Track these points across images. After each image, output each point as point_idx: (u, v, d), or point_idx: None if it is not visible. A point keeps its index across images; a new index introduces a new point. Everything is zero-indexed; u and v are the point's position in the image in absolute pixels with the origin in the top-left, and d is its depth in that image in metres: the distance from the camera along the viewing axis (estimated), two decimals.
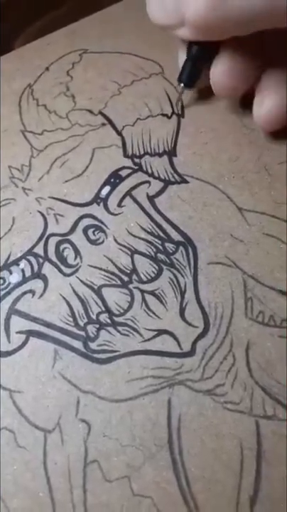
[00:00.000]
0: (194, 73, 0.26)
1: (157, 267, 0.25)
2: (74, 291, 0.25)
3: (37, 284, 0.25)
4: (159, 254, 0.25)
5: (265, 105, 0.24)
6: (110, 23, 0.32)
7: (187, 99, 0.29)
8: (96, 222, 0.26)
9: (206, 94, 0.28)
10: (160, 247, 0.26)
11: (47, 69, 0.31)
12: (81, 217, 0.27)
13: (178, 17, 0.22)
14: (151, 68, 0.30)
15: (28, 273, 0.26)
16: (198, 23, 0.21)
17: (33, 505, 0.22)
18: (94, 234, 0.26)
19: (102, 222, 0.26)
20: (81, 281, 0.25)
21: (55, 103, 0.30)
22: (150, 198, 0.27)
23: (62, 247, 0.26)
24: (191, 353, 0.23)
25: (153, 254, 0.25)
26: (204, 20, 0.20)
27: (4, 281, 0.26)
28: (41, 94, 0.30)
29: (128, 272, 0.25)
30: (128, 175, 0.27)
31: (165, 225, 0.26)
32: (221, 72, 0.24)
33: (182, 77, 0.27)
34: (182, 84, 0.27)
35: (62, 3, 0.32)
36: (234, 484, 0.21)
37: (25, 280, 0.26)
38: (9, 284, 0.26)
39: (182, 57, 0.26)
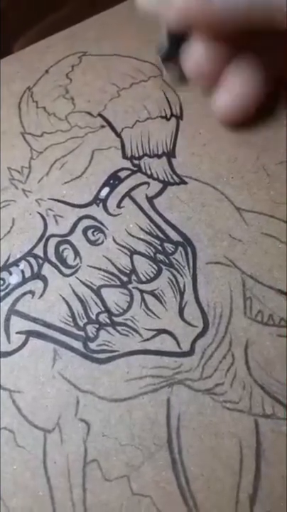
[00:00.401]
0: (173, 48, 0.26)
1: (156, 267, 0.25)
2: (73, 291, 0.25)
3: (37, 285, 0.26)
4: (158, 255, 0.26)
5: (222, 98, 0.25)
6: (109, 26, 0.32)
7: (186, 101, 0.29)
8: (95, 223, 0.27)
9: (204, 96, 0.28)
10: (159, 248, 0.26)
11: (46, 72, 0.31)
12: (80, 218, 0.27)
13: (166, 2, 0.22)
14: (150, 71, 0.30)
15: (27, 274, 0.26)
16: (182, 13, 0.21)
17: (33, 505, 0.22)
18: (93, 235, 0.26)
19: (101, 223, 0.27)
20: (80, 281, 0.25)
21: (55, 105, 0.30)
22: (149, 199, 0.27)
23: (61, 247, 0.26)
24: (190, 352, 0.24)
25: (152, 254, 0.26)
26: (188, 13, 0.21)
27: (4, 282, 0.26)
28: (41, 97, 0.31)
29: (128, 272, 0.25)
30: (128, 176, 0.28)
31: (164, 225, 0.26)
32: (194, 53, 0.25)
33: (161, 50, 0.27)
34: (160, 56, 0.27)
35: (61, 6, 0.33)
36: (234, 483, 0.21)
37: (24, 281, 0.26)
38: (9, 284, 0.26)
39: (163, 35, 0.27)
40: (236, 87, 0.25)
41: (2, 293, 0.26)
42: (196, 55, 0.25)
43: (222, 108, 0.26)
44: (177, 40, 0.26)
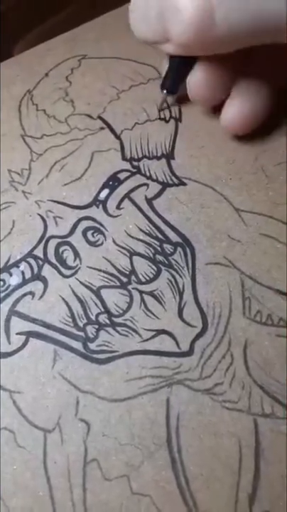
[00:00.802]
0: (175, 81, 0.27)
1: (155, 268, 0.26)
2: (73, 292, 0.26)
3: (37, 286, 0.26)
4: (157, 256, 0.26)
5: (229, 113, 0.26)
6: (108, 29, 0.32)
7: (185, 104, 0.29)
8: (95, 225, 0.27)
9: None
10: (159, 249, 0.26)
11: (46, 75, 0.32)
12: (80, 220, 0.27)
13: (162, 33, 0.22)
14: (149, 73, 0.31)
15: (27, 275, 0.26)
16: (184, 42, 0.22)
17: (33, 504, 0.22)
18: (93, 236, 0.27)
19: (101, 225, 0.27)
20: (80, 282, 0.26)
21: (55, 108, 0.31)
22: (149, 200, 0.27)
23: (61, 249, 0.27)
24: (189, 352, 0.24)
25: (151, 255, 0.26)
26: (190, 41, 0.21)
27: (4, 283, 0.26)
28: (41, 100, 0.31)
29: (127, 273, 0.26)
30: (127, 178, 0.28)
31: (163, 226, 0.27)
32: (196, 82, 0.26)
33: (164, 84, 0.28)
34: (165, 91, 0.28)
35: (60, 9, 0.33)
36: (233, 482, 0.22)
37: (25, 282, 0.26)
38: (9, 286, 0.26)
39: (165, 65, 0.27)
40: (242, 102, 0.26)
41: (2, 294, 0.26)
42: (199, 81, 0.26)
43: (230, 122, 0.26)
44: (179, 70, 0.27)
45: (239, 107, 0.26)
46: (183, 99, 0.29)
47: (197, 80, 0.25)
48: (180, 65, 0.26)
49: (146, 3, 0.22)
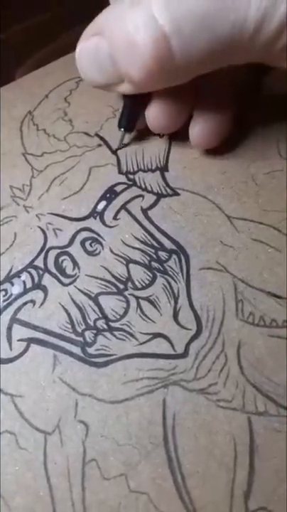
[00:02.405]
0: (131, 118, 0.29)
1: (151, 275, 0.27)
2: (72, 299, 0.27)
3: (37, 295, 0.27)
4: (153, 262, 0.27)
5: (195, 129, 0.28)
6: None
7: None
8: (93, 235, 0.28)
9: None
10: (154, 256, 0.27)
11: (46, 96, 0.34)
12: (78, 231, 0.29)
13: (116, 75, 0.23)
14: None
15: (28, 284, 0.28)
16: (143, 78, 0.22)
17: (34, 504, 0.23)
18: (91, 245, 0.28)
19: (99, 235, 0.28)
20: (79, 290, 0.27)
21: (54, 127, 0.33)
22: (144, 211, 0.29)
23: (61, 259, 0.28)
24: (184, 354, 0.25)
25: (147, 262, 0.27)
26: (150, 75, 0.21)
27: (6, 292, 0.28)
28: (41, 120, 0.33)
29: (124, 279, 0.27)
30: (123, 190, 0.30)
31: (158, 234, 0.28)
32: (154, 114, 0.27)
33: (121, 123, 0.29)
34: (122, 129, 0.30)
35: (58, 36, 0.36)
36: (228, 479, 0.22)
37: (26, 291, 0.27)
38: (11, 295, 0.27)
39: (120, 104, 0.29)
40: (204, 121, 0.28)
41: (4, 303, 0.27)
42: (157, 114, 0.27)
43: (197, 141, 0.28)
44: (134, 108, 0.28)
45: (202, 126, 0.27)
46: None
47: (154, 113, 0.27)
48: (135, 103, 0.28)
49: (95, 49, 0.23)
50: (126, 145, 0.31)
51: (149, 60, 0.21)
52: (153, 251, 0.27)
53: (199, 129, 0.28)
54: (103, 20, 0.23)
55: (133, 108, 0.29)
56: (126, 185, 0.30)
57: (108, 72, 0.23)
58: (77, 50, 0.24)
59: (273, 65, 0.22)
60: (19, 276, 0.28)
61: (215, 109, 0.27)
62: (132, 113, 0.29)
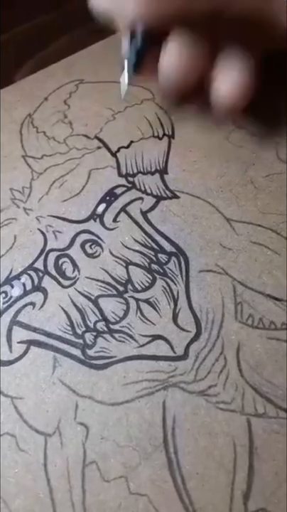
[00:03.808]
0: (139, 57, 0.26)
1: (151, 277, 0.27)
2: (72, 301, 0.27)
3: (37, 297, 0.28)
4: (153, 265, 0.27)
5: (228, 83, 0.25)
6: (103, 55, 0.35)
7: (177, 121, 0.31)
8: (92, 237, 0.29)
9: (194, 116, 0.31)
10: (154, 258, 0.28)
11: (46, 99, 0.34)
12: (78, 233, 0.29)
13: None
14: (143, 94, 0.33)
15: (28, 286, 0.28)
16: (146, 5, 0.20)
17: (34, 506, 0.23)
18: (91, 248, 0.28)
19: (98, 237, 0.29)
20: (79, 292, 0.27)
21: (54, 130, 0.33)
22: (144, 213, 0.29)
23: (61, 261, 0.28)
24: (184, 356, 0.25)
25: (146, 264, 0.27)
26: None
27: (6, 295, 0.28)
28: (41, 123, 0.33)
29: (124, 282, 0.27)
30: (123, 192, 0.30)
31: (157, 237, 0.28)
32: (170, 60, 0.24)
33: (129, 56, 0.26)
34: (126, 60, 0.26)
35: (58, 38, 0.36)
36: (228, 480, 0.22)
37: (26, 293, 0.28)
38: (11, 297, 0.28)
39: (125, 46, 0.26)
40: (232, 76, 0.25)
41: (4, 305, 0.27)
42: (173, 54, 0.24)
43: (228, 95, 0.26)
44: (143, 44, 0.25)
45: (232, 76, 0.25)
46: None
47: (171, 56, 0.25)
48: (143, 40, 0.25)
49: None
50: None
51: None
52: (152, 253, 0.28)
53: (229, 81, 0.25)
54: None
55: (142, 45, 0.25)
56: (125, 188, 0.30)
57: None
58: None
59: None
60: (19, 279, 0.28)
61: (242, 60, 0.25)
62: (139, 52, 0.25)
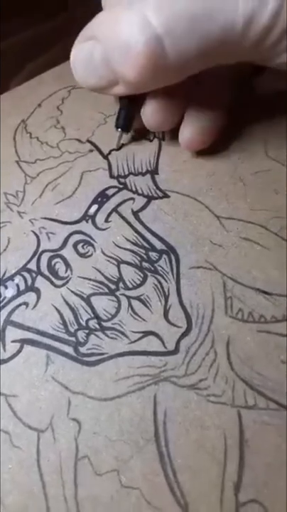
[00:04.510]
0: (128, 119, 0.30)
1: (142, 275, 0.28)
2: (65, 300, 0.28)
3: (30, 297, 0.28)
4: (144, 263, 0.28)
5: (184, 134, 0.29)
6: None
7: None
8: (85, 237, 0.29)
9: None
10: (145, 256, 0.28)
11: (39, 105, 0.35)
12: (71, 234, 0.30)
13: (110, 78, 0.24)
14: None
15: (22, 287, 0.29)
16: (137, 79, 0.22)
17: (28, 501, 0.23)
18: (83, 248, 0.29)
19: (91, 237, 0.29)
20: (71, 291, 0.28)
21: (47, 135, 0.34)
22: (135, 213, 0.30)
23: (53, 261, 0.29)
24: (175, 351, 0.26)
25: (138, 262, 0.28)
26: (143, 76, 0.22)
27: (0, 295, 0.28)
28: (34, 128, 0.34)
29: (115, 280, 0.28)
30: (114, 193, 0.31)
31: (148, 236, 0.29)
32: (150, 113, 0.28)
33: (118, 123, 0.30)
34: (119, 129, 0.31)
35: (51, 47, 0.37)
36: (219, 472, 0.23)
37: (19, 294, 0.28)
38: (5, 298, 0.28)
39: (116, 104, 0.30)
40: (193, 124, 0.29)
41: None
42: (153, 112, 0.28)
43: (187, 144, 0.30)
44: (130, 109, 0.30)
45: (192, 128, 0.29)
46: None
47: (150, 111, 0.28)
48: (131, 103, 0.29)
49: (90, 52, 0.24)
50: (123, 145, 0.32)
51: (143, 60, 0.22)
52: (143, 252, 0.28)
53: (188, 132, 0.29)
54: (96, 24, 0.24)
55: (130, 108, 0.30)
56: (117, 189, 0.31)
57: (102, 75, 0.25)
58: (72, 54, 0.26)
59: (263, 64, 0.23)
60: (13, 280, 0.29)
61: (205, 112, 0.29)
62: (129, 113, 0.30)
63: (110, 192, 0.31)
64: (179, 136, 0.29)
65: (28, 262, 0.29)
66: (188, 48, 0.21)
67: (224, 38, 0.21)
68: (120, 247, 0.29)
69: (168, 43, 0.21)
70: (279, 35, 0.21)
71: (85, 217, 0.30)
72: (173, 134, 0.32)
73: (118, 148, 0.32)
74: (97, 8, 0.25)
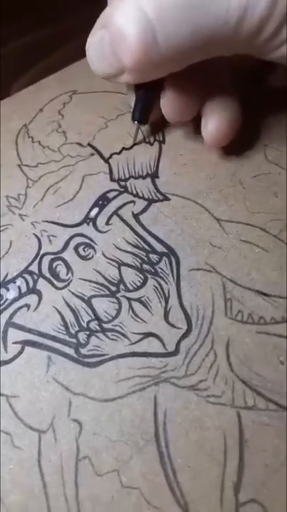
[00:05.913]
0: (145, 111, 0.30)
1: (142, 277, 0.28)
2: (66, 302, 0.28)
3: (32, 299, 0.29)
4: (144, 265, 0.28)
5: (209, 127, 0.28)
6: None
7: (168, 126, 0.33)
8: (86, 240, 0.30)
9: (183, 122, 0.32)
10: (145, 259, 0.29)
11: (41, 110, 0.36)
12: (72, 237, 0.30)
13: (117, 64, 0.24)
14: None
15: (23, 289, 0.29)
16: (134, 67, 0.23)
17: (29, 501, 0.24)
18: (84, 250, 0.30)
19: (91, 240, 0.30)
20: (72, 293, 0.28)
21: (48, 139, 0.34)
22: (135, 216, 0.30)
23: (55, 264, 0.29)
24: (175, 352, 0.26)
25: (138, 265, 0.28)
26: (139, 64, 0.23)
27: (2, 297, 0.29)
28: (36, 133, 0.35)
29: (116, 282, 0.28)
30: (115, 196, 0.31)
31: (149, 238, 0.29)
32: (168, 104, 0.28)
33: (135, 116, 0.30)
34: (136, 122, 0.30)
35: (52, 52, 0.38)
36: (219, 472, 0.23)
37: (21, 296, 0.29)
38: (6, 300, 0.29)
39: (132, 97, 0.30)
40: (216, 117, 0.28)
41: (0, 308, 0.28)
42: (171, 102, 0.28)
43: (212, 138, 0.29)
44: (146, 99, 0.29)
45: (217, 120, 0.28)
46: (159, 125, 0.32)
47: (169, 102, 0.28)
48: (146, 94, 0.29)
49: (100, 40, 0.24)
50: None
51: (136, 49, 0.22)
52: (144, 254, 0.29)
53: (213, 123, 0.28)
54: (107, 13, 0.24)
55: (146, 100, 0.30)
56: (117, 192, 0.31)
57: (110, 62, 0.25)
58: (87, 42, 0.26)
59: (259, 57, 0.23)
60: (14, 282, 0.29)
61: (226, 103, 0.28)
62: (145, 105, 0.30)
63: (111, 195, 0.31)
64: (202, 132, 0.29)
65: (30, 264, 0.30)
66: (181, 38, 0.22)
67: (216, 30, 0.21)
68: (121, 250, 0.29)
69: (160, 33, 0.21)
70: (276, 27, 0.21)
71: (86, 220, 0.31)
72: (173, 137, 0.32)
73: (135, 144, 0.33)
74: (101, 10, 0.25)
